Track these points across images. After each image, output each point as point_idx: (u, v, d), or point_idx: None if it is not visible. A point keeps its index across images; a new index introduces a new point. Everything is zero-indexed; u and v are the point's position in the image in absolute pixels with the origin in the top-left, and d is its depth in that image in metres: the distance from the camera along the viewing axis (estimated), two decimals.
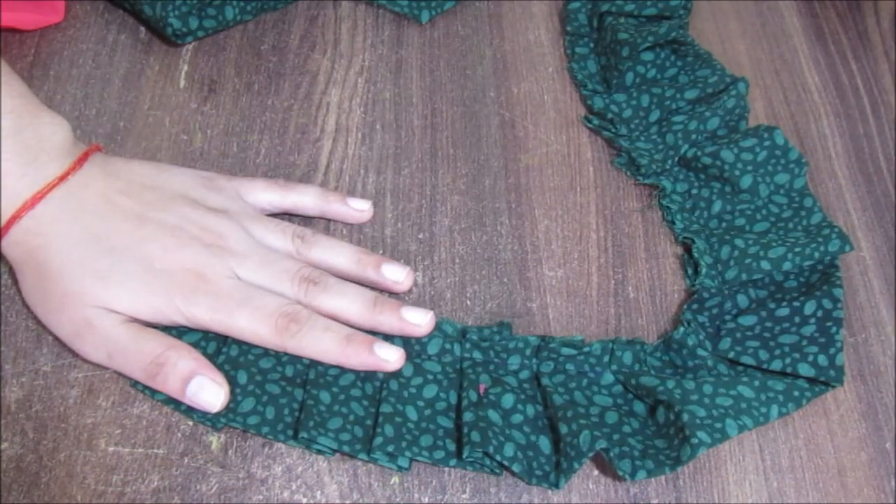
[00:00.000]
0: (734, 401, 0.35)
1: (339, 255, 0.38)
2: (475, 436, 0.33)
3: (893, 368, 0.39)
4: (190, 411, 0.35)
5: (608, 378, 0.37)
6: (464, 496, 0.35)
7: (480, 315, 0.39)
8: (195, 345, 0.36)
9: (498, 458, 0.33)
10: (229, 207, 0.38)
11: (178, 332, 0.36)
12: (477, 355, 0.37)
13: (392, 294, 0.39)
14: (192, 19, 0.44)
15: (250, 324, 0.34)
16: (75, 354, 0.36)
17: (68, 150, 0.36)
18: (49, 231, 0.34)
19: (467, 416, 0.34)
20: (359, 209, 0.41)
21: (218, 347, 0.36)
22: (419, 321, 0.36)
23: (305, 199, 0.40)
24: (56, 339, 0.36)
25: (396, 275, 0.38)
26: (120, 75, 0.45)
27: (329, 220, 0.41)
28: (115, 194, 0.36)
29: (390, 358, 0.35)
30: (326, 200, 0.40)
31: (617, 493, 0.35)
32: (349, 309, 0.36)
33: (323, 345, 0.35)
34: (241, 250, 0.36)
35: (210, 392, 0.34)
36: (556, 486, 0.34)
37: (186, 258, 0.35)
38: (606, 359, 0.37)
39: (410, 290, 0.39)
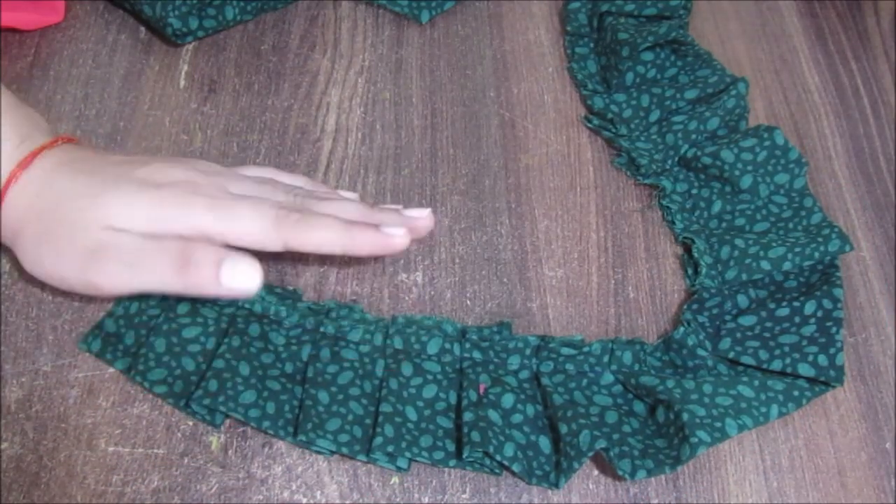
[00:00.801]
0: (734, 400, 0.35)
1: (344, 210, 0.37)
2: (475, 436, 0.33)
3: (893, 368, 0.39)
4: (190, 408, 0.34)
5: (608, 378, 0.37)
6: (464, 496, 0.35)
7: (480, 315, 0.39)
8: (194, 340, 0.36)
9: (498, 457, 0.33)
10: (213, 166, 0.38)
11: (178, 324, 0.36)
12: (477, 355, 0.37)
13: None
14: (192, 19, 0.44)
15: (250, 216, 0.34)
16: (76, 354, 0.36)
17: (52, 132, 0.37)
18: (47, 177, 0.35)
19: (467, 416, 0.34)
20: (349, 198, 0.40)
21: (218, 342, 0.36)
22: (419, 213, 0.37)
23: (297, 182, 0.40)
24: (70, 293, 0.36)
25: (395, 230, 0.36)
26: (120, 75, 0.45)
27: None
28: (104, 153, 0.37)
29: (397, 233, 0.35)
30: (315, 186, 0.40)
31: (617, 493, 0.35)
32: (347, 210, 0.36)
33: (325, 234, 0.34)
34: (232, 178, 0.36)
35: (244, 273, 0.33)
36: (556, 485, 0.34)
37: (179, 174, 0.35)
38: (606, 359, 0.37)
39: (401, 302, 0.39)
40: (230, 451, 0.35)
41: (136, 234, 0.34)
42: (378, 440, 0.33)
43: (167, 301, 0.36)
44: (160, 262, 0.33)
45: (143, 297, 0.37)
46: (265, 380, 0.35)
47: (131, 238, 0.34)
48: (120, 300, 0.37)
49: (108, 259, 0.33)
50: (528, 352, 0.37)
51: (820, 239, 0.39)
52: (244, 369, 0.35)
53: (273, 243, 0.34)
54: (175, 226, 0.34)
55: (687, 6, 0.48)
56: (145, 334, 0.36)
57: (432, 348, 0.37)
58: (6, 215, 0.35)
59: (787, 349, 0.37)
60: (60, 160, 0.35)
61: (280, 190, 0.36)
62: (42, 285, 0.38)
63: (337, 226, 0.34)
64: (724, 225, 0.42)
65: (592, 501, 0.35)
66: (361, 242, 0.34)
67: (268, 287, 0.38)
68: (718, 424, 0.33)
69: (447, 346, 0.37)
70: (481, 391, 0.35)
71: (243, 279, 0.33)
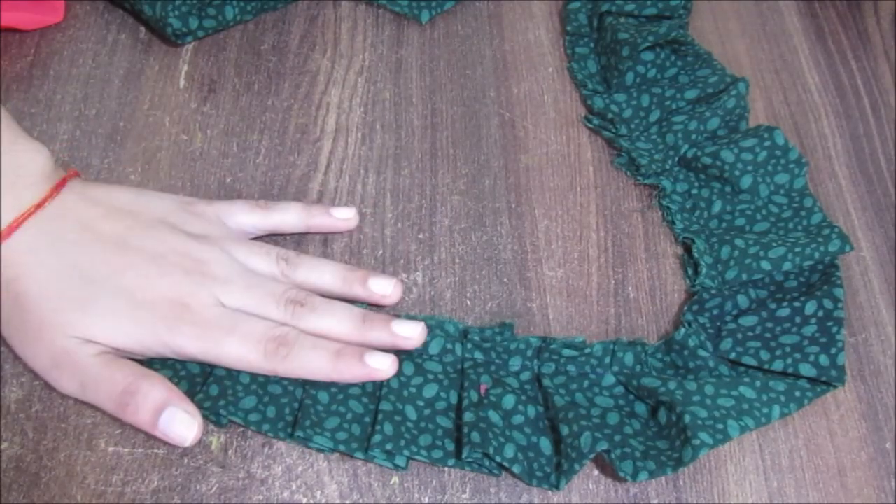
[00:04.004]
0: (736, 401, 0.35)
1: (325, 273, 0.37)
2: (475, 436, 0.33)
3: (893, 368, 0.39)
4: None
5: (609, 379, 0.37)
6: (464, 496, 0.34)
7: (480, 315, 0.39)
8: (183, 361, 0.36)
9: (498, 459, 0.33)
10: (210, 232, 0.37)
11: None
12: (478, 356, 0.37)
13: (382, 308, 0.38)
14: (192, 19, 0.44)
15: (238, 351, 0.34)
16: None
17: (46, 176, 0.35)
18: (26, 261, 0.33)
19: (468, 417, 0.34)
20: (343, 218, 0.40)
21: None
22: (410, 333, 0.36)
23: (288, 216, 0.39)
24: (32, 372, 0.35)
25: (383, 288, 0.38)
26: (120, 75, 0.45)
27: (317, 234, 0.41)
28: (93, 221, 0.35)
29: (382, 366, 0.35)
30: (310, 215, 0.39)
31: (617, 493, 0.35)
32: (338, 328, 0.35)
33: (314, 364, 0.34)
34: (224, 276, 0.35)
35: (182, 423, 0.33)
36: (557, 487, 0.34)
37: (168, 287, 0.34)
38: (608, 360, 0.37)
39: (401, 300, 0.39)
40: (230, 451, 0.35)
41: (104, 348, 0.33)
42: (377, 438, 0.33)
43: None
44: (105, 393, 0.33)
45: None
46: (266, 385, 0.35)
47: (92, 356, 0.33)
48: None
49: (65, 372, 0.33)
50: (529, 353, 0.37)
51: (820, 239, 0.39)
52: (244, 377, 0.35)
53: (258, 371, 0.35)
54: (157, 350, 0.34)
55: (687, 6, 0.48)
56: None
57: (434, 348, 0.37)
58: None
59: (788, 349, 0.37)
60: (45, 232, 0.34)
61: (269, 303, 0.35)
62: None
63: (325, 360, 0.34)
64: (724, 225, 0.42)
65: (592, 502, 0.35)
66: (348, 376, 0.35)
67: None
68: (720, 426, 0.33)
69: (449, 346, 0.37)
70: (482, 392, 0.35)
71: (180, 429, 0.33)
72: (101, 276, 0.34)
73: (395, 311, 0.39)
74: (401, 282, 0.38)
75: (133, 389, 0.33)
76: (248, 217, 0.39)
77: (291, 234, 0.41)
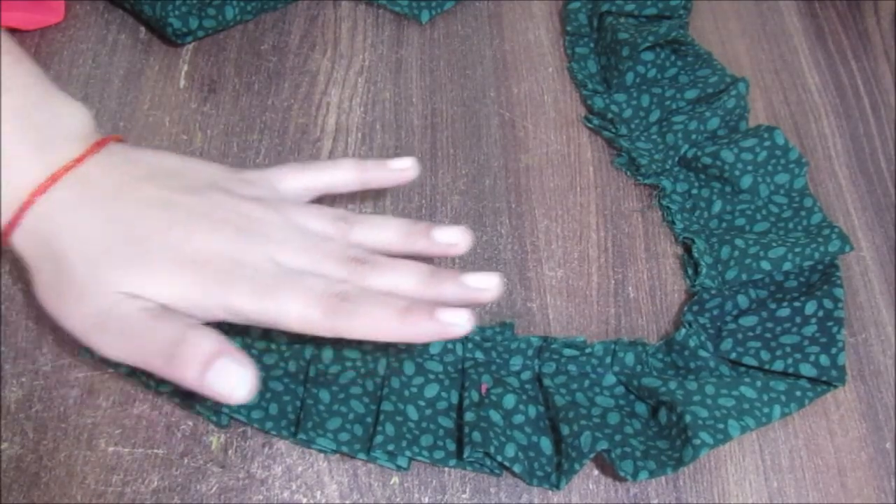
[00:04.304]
0: (736, 401, 0.35)
1: (385, 230, 0.35)
2: (476, 436, 0.33)
3: (893, 368, 0.39)
4: (195, 404, 0.34)
5: (610, 379, 0.37)
6: (464, 496, 0.34)
7: (480, 315, 0.39)
8: None
9: (499, 458, 0.33)
10: (263, 195, 0.34)
11: None
12: (479, 355, 0.37)
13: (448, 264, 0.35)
14: (192, 19, 0.44)
15: (299, 308, 0.30)
16: (76, 355, 0.36)
17: (86, 136, 0.33)
18: (66, 217, 0.31)
19: (469, 416, 0.34)
20: (401, 167, 0.37)
21: None
22: (485, 284, 0.32)
23: (340, 173, 0.36)
24: (70, 337, 0.32)
25: (450, 236, 0.34)
26: (120, 75, 0.45)
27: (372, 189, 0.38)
28: (137, 180, 0.32)
29: (457, 320, 0.30)
30: (364, 169, 0.37)
31: (617, 493, 0.35)
32: (404, 284, 0.32)
33: (379, 321, 0.30)
34: (279, 236, 0.32)
35: (233, 376, 0.28)
36: (557, 486, 0.34)
37: (220, 243, 0.31)
38: (608, 360, 0.37)
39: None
40: (230, 451, 0.35)
41: (151, 303, 0.30)
42: (379, 438, 0.33)
43: None
44: (150, 347, 0.30)
45: None
46: (268, 381, 0.35)
47: (139, 309, 0.30)
48: None
49: (109, 331, 0.30)
50: (530, 353, 0.37)
51: (820, 239, 0.39)
52: None
53: (319, 331, 0.31)
54: (210, 310, 0.31)
55: (687, 6, 0.48)
56: None
57: (434, 348, 0.37)
58: (21, 242, 0.32)
59: (788, 349, 0.37)
60: (85, 188, 0.32)
61: (328, 260, 0.33)
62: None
63: (392, 316, 0.30)
64: (724, 225, 0.42)
65: (593, 501, 0.35)
66: (418, 333, 0.31)
67: None
68: (721, 426, 0.33)
69: (449, 345, 0.37)
70: (483, 391, 0.35)
71: (228, 384, 0.28)
72: (146, 232, 0.31)
73: None
74: (469, 231, 0.35)
75: (180, 339, 0.29)
76: (301, 179, 0.36)
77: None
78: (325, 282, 0.31)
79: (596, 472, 0.35)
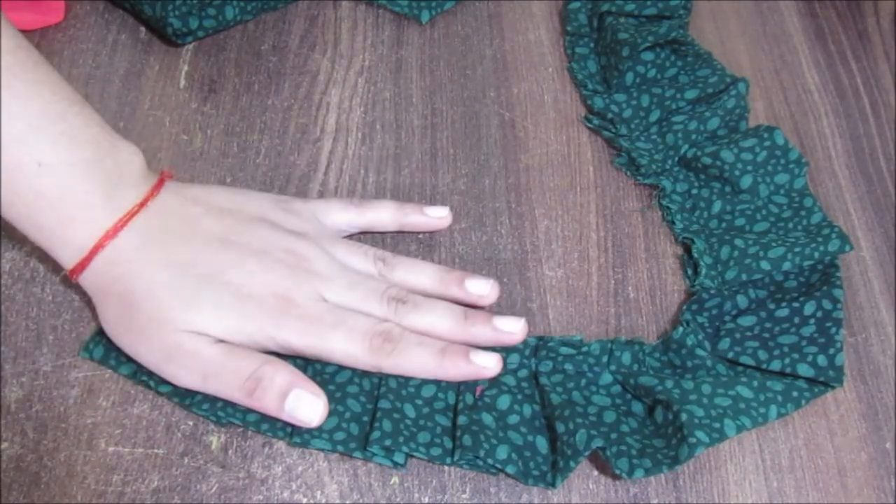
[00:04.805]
0: (733, 401, 0.35)
1: (422, 274, 0.37)
2: (467, 440, 0.33)
3: (893, 368, 0.39)
4: (193, 405, 0.34)
5: (606, 378, 0.37)
6: (464, 496, 0.35)
7: None
8: None
9: (490, 461, 0.33)
10: (308, 230, 0.37)
11: None
12: None
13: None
14: (192, 19, 0.44)
15: (344, 346, 0.34)
16: (76, 355, 0.36)
17: (144, 176, 0.36)
18: (132, 258, 0.34)
19: (461, 420, 0.34)
20: (437, 216, 0.40)
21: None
22: (513, 328, 0.36)
23: (382, 214, 0.39)
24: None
25: (481, 288, 0.37)
26: (120, 75, 0.45)
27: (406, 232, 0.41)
28: (195, 218, 0.36)
29: (489, 364, 0.35)
30: (403, 213, 0.40)
31: (617, 493, 0.35)
32: (440, 324, 0.36)
33: (419, 360, 0.35)
34: (325, 273, 0.36)
35: (308, 405, 0.33)
36: (553, 485, 0.34)
37: (272, 282, 0.34)
38: (605, 359, 0.37)
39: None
40: (230, 451, 0.35)
41: (216, 340, 0.34)
42: (375, 434, 0.34)
43: None
44: (229, 380, 0.33)
45: None
46: None
47: (208, 346, 0.33)
48: None
49: (182, 364, 0.33)
50: (526, 351, 0.37)
51: (820, 239, 0.39)
52: None
53: (362, 366, 0.35)
54: (262, 343, 0.34)
55: (687, 6, 0.48)
56: None
57: None
58: (90, 280, 0.34)
59: (786, 349, 0.37)
60: (149, 230, 0.34)
61: (371, 299, 0.36)
62: (42, 285, 0.38)
63: (430, 357, 0.35)
64: (724, 225, 0.42)
65: (592, 501, 0.35)
66: (453, 374, 0.35)
67: None
68: (717, 425, 0.33)
69: None
70: (477, 393, 0.35)
71: (307, 411, 0.33)
72: (207, 272, 0.34)
73: None
74: (497, 283, 0.38)
75: (259, 375, 0.33)
76: (343, 215, 0.39)
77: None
78: (369, 321, 0.35)
79: (595, 472, 0.35)
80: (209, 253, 0.35)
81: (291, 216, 0.37)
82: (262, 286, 0.34)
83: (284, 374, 0.33)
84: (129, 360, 0.35)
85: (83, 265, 0.34)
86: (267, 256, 0.35)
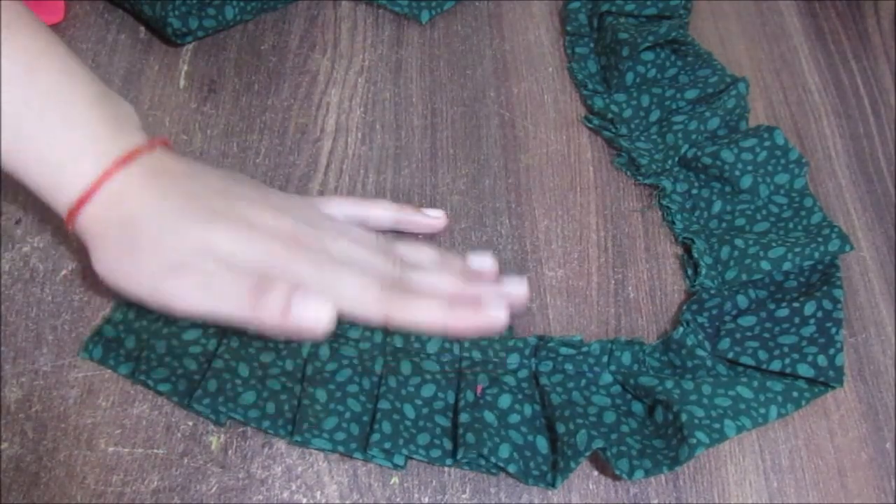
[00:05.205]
0: (733, 401, 0.35)
1: (422, 252, 0.38)
2: (470, 438, 0.33)
3: (893, 368, 0.39)
4: (192, 403, 0.34)
5: (606, 378, 0.37)
6: (464, 496, 0.34)
7: None
8: (195, 342, 0.36)
9: (493, 459, 0.33)
10: (307, 209, 0.37)
11: (178, 327, 0.36)
12: (476, 354, 0.37)
13: None
14: (192, 19, 0.44)
15: (355, 288, 0.34)
16: (76, 354, 0.36)
17: (141, 129, 0.35)
18: (141, 187, 0.33)
19: (463, 418, 0.34)
20: (434, 216, 0.41)
21: (219, 340, 0.36)
22: (517, 289, 0.37)
23: (380, 211, 0.40)
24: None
25: (482, 262, 0.38)
26: (120, 75, 0.45)
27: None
28: (202, 171, 0.35)
29: (498, 313, 0.34)
30: (399, 208, 0.40)
31: (617, 493, 0.35)
32: (445, 283, 0.36)
33: (428, 312, 0.34)
34: (332, 230, 0.36)
35: (315, 303, 0.32)
36: (553, 485, 0.34)
37: (283, 225, 0.34)
38: (605, 359, 0.37)
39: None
40: (230, 451, 0.35)
41: (225, 261, 0.33)
42: (375, 437, 0.34)
43: None
44: (236, 289, 0.32)
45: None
46: (265, 379, 0.35)
47: (216, 264, 0.33)
48: (118, 306, 0.37)
49: (186, 278, 0.32)
50: (527, 351, 0.37)
51: (820, 239, 0.39)
52: (243, 370, 0.35)
53: (373, 315, 0.34)
54: (276, 273, 0.33)
55: (687, 6, 0.48)
56: (146, 338, 0.36)
57: (431, 347, 0.37)
58: (91, 214, 0.33)
59: (786, 349, 0.37)
60: (156, 169, 0.34)
61: (377, 255, 0.36)
62: (42, 285, 0.38)
63: (439, 305, 0.34)
64: (724, 225, 0.42)
65: (592, 501, 0.35)
66: (463, 323, 0.34)
67: None
68: (717, 426, 0.33)
69: (447, 345, 0.37)
70: (479, 392, 0.35)
71: (314, 311, 0.32)
72: (218, 204, 0.34)
73: None
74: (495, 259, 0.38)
75: (265, 283, 0.32)
76: (342, 207, 0.39)
77: None
78: (381, 269, 0.35)
79: (596, 472, 0.35)
80: (219, 191, 0.34)
81: (292, 199, 0.38)
82: (273, 225, 0.34)
83: (287, 282, 0.32)
84: (129, 359, 0.36)
85: (89, 195, 0.33)
86: (275, 207, 0.35)
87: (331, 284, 0.34)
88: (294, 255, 0.33)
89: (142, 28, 0.47)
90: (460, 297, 0.35)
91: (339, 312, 0.33)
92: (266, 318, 0.32)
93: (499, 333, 0.35)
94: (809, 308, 0.38)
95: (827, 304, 0.38)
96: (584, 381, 0.37)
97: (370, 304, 0.34)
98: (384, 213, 0.40)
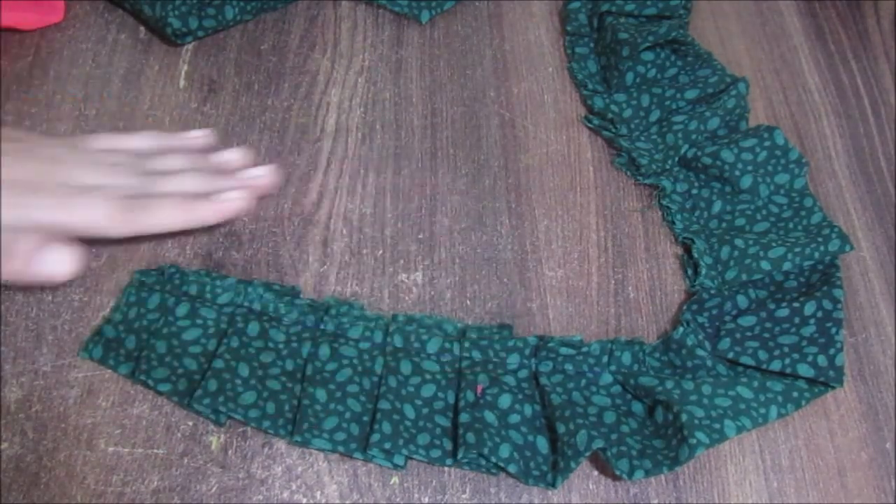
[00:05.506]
0: (733, 401, 0.35)
1: (175, 159, 0.38)
2: (470, 437, 0.33)
3: (893, 368, 0.39)
4: (192, 403, 0.34)
5: (606, 378, 0.37)
6: (464, 496, 0.34)
7: (480, 315, 0.39)
8: (195, 342, 0.36)
9: (493, 459, 0.33)
10: (59, 148, 0.37)
11: (177, 327, 0.36)
12: (476, 355, 0.37)
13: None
14: (192, 19, 0.44)
15: (101, 209, 0.34)
16: (76, 354, 0.36)
17: None
18: None
19: (463, 418, 0.34)
20: (195, 136, 0.41)
21: (219, 342, 0.36)
22: (259, 173, 0.39)
23: (141, 140, 0.40)
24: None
25: (230, 155, 0.40)
26: (120, 75, 0.45)
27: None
28: None
29: (231, 196, 0.37)
30: (164, 137, 0.40)
31: (617, 493, 0.35)
32: (187, 182, 0.37)
33: (166, 212, 0.35)
34: (72, 159, 0.36)
35: (57, 256, 0.34)
36: (553, 485, 0.34)
37: (21, 170, 0.34)
38: (605, 359, 0.37)
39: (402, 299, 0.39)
40: (230, 451, 0.35)
41: None
42: (375, 437, 0.34)
43: (165, 304, 0.37)
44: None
45: (141, 302, 0.37)
46: (265, 379, 0.35)
47: None
48: (118, 306, 0.37)
49: None
50: (527, 351, 0.37)
51: (820, 239, 0.39)
52: (244, 370, 0.35)
53: (119, 230, 0.35)
54: (22, 224, 0.34)
55: (687, 6, 0.48)
56: (146, 338, 0.36)
57: (432, 347, 0.37)
58: None
59: (786, 349, 0.37)
60: None
61: (124, 176, 0.36)
62: (42, 285, 0.38)
63: (176, 206, 0.36)
64: (724, 225, 0.42)
65: (592, 502, 0.35)
66: (202, 216, 0.36)
67: (266, 284, 0.38)
68: (717, 426, 0.33)
69: (447, 345, 0.37)
70: (479, 392, 0.35)
71: (55, 265, 0.34)
72: None
73: (396, 312, 0.39)
74: (249, 151, 0.40)
75: (8, 243, 0.33)
76: (107, 141, 0.39)
77: (292, 234, 0.41)
78: (124, 186, 0.35)
79: (596, 472, 0.35)
80: None
81: (48, 142, 0.38)
82: (12, 175, 0.34)
83: (37, 237, 0.34)
84: (128, 359, 0.36)
85: None
86: (21, 154, 0.35)
87: (78, 212, 0.34)
88: (31, 202, 0.34)
89: (142, 28, 0.47)
90: (203, 194, 0.36)
91: (87, 234, 0.35)
92: (14, 275, 0.34)
93: (239, 216, 0.37)
94: (809, 308, 0.38)
95: (827, 305, 0.38)
96: (584, 382, 0.37)
97: (111, 221, 0.34)
98: (146, 141, 0.40)
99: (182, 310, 0.36)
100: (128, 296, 0.37)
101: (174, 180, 0.37)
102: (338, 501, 0.34)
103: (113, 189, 0.35)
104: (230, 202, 0.37)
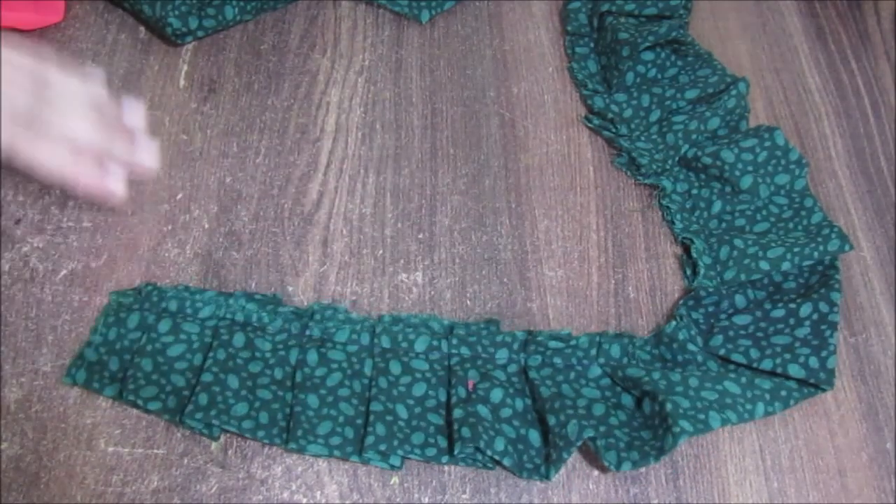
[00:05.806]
0: (719, 395, 0.35)
1: (75, 88, 0.37)
2: (465, 432, 0.33)
3: (893, 368, 0.39)
4: (185, 419, 0.34)
5: (595, 371, 0.37)
6: (464, 496, 0.34)
7: (480, 315, 0.39)
8: (180, 357, 0.35)
9: (489, 452, 0.33)
10: None
11: (161, 343, 0.36)
12: (464, 351, 0.37)
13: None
14: (191, 19, 0.44)
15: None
16: (75, 354, 0.36)
17: None
18: None
19: (457, 413, 0.34)
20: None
21: (204, 357, 0.36)
22: (148, 161, 0.37)
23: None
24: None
25: (131, 116, 0.38)
26: (120, 75, 0.45)
27: None
28: None
29: (116, 188, 0.36)
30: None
31: (617, 493, 0.35)
32: (81, 131, 0.35)
33: (53, 156, 0.34)
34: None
35: None
36: (547, 477, 0.34)
37: None
38: (594, 352, 0.37)
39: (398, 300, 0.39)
40: (230, 452, 0.35)
41: None
42: (370, 439, 0.33)
43: (146, 322, 0.36)
44: None
45: (120, 322, 0.36)
46: (256, 389, 0.35)
47: None
48: (96, 328, 0.36)
49: None
50: (515, 346, 0.37)
51: (819, 239, 0.39)
52: (233, 382, 0.35)
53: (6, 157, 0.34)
54: None
55: (687, 6, 0.48)
56: (129, 358, 0.35)
57: (420, 346, 0.37)
58: None
59: (778, 349, 0.37)
60: None
61: (22, 95, 0.34)
62: (42, 285, 0.38)
63: (64, 154, 0.34)
64: (723, 225, 0.42)
65: (592, 501, 0.35)
66: (82, 182, 0.35)
67: (247, 295, 0.38)
68: (702, 416, 0.34)
69: (435, 343, 0.37)
70: (470, 387, 0.35)
71: None
72: None
73: (397, 311, 0.39)
74: (141, 105, 0.38)
75: None
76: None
77: (292, 235, 0.41)
78: (19, 106, 0.33)
79: (596, 472, 0.35)
80: None
81: None
82: None
83: None
84: (113, 381, 0.35)
85: None
86: None
87: None
88: None
89: (142, 28, 0.47)
90: (89, 151, 0.35)
91: None
92: None
93: (107, 201, 0.36)
94: (805, 310, 0.38)
95: (823, 307, 0.38)
96: (573, 374, 0.37)
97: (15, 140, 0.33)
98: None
99: (164, 326, 0.36)
100: (106, 317, 0.37)
101: (71, 121, 0.35)
102: (338, 501, 0.34)
103: (10, 109, 0.34)
104: (111, 192, 0.36)
